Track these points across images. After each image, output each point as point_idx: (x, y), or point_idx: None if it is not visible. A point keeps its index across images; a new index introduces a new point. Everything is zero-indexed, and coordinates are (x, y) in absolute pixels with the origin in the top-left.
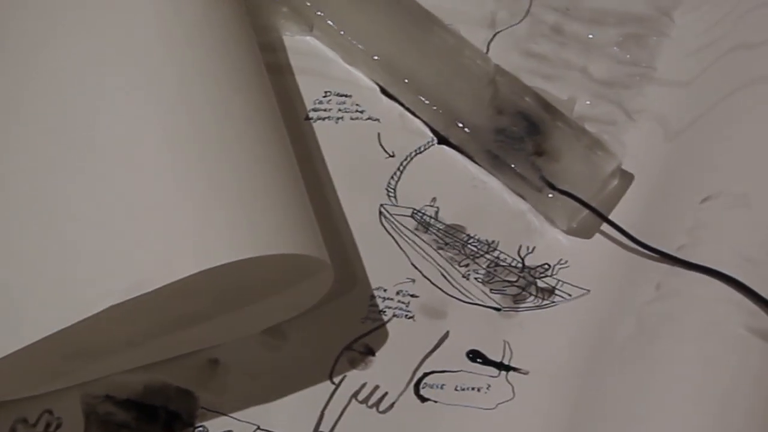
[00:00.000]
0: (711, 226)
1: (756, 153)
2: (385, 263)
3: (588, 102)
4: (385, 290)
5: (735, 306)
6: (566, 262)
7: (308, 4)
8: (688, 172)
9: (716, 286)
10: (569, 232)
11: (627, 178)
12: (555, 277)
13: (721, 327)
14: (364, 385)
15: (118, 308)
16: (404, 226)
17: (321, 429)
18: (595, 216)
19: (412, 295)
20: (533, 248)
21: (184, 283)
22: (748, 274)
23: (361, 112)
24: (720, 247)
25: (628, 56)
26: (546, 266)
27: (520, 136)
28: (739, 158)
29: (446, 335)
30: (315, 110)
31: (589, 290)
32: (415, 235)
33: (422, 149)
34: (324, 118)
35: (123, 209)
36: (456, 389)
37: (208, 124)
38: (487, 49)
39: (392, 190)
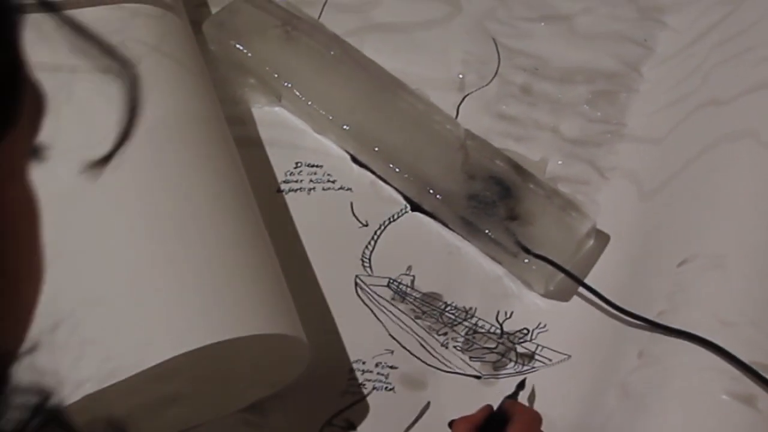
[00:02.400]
0: (689, 291)
1: (729, 212)
2: (363, 335)
3: (560, 162)
4: (363, 362)
5: (716, 372)
6: (545, 326)
7: (275, 75)
8: (665, 234)
9: (697, 352)
10: (547, 295)
11: (603, 238)
12: (534, 341)
13: (704, 394)
14: None
15: (94, 395)
16: (381, 297)
17: None
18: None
19: (391, 367)
20: (511, 313)
21: (161, 367)
22: (726, 337)
23: (333, 182)
24: (698, 311)
25: (598, 114)
26: (525, 331)
27: (492, 201)
28: (713, 219)
29: (427, 406)
30: (286, 182)
31: (569, 355)
32: (392, 305)
33: (396, 217)
34: (296, 190)
35: (94, 299)
36: None
37: (177, 207)
38: (457, 113)
39: (367, 260)
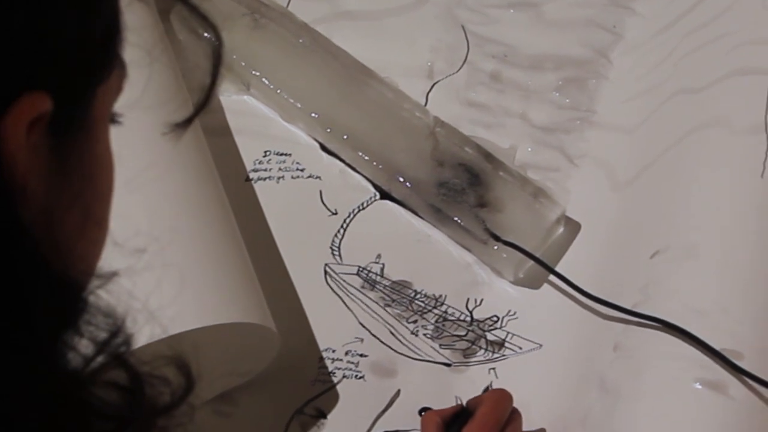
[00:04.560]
0: (661, 282)
1: (701, 202)
2: (333, 323)
3: (530, 149)
4: (333, 351)
5: (687, 361)
6: (515, 313)
7: (243, 63)
8: (638, 226)
9: (668, 342)
10: (516, 282)
11: (574, 226)
12: (504, 329)
13: (677, 383)
14: None
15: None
16: (350, 285)
17: None
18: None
19: (361, 355)
20: (481, 300)
21: None
22: (698, 326)
23: (302, 170)
24: (670, 301)
25: (567, 101)
26: (495, 318)
27: (462, 188)
28: (685, 209)
29: (398, 394)
30: (255, 170)
31: (541, 345)
32: (362, 293)
33: (365, 205)
34: (265, 179)
35: None
36: None
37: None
38: (426, 101)
39: (336, 249)
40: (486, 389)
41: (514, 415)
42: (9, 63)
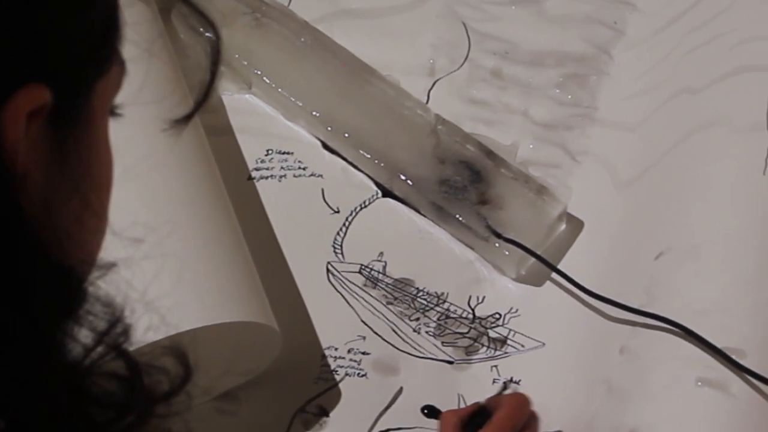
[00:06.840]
0: (664, 283)
1: (702, 202)
2: (335, 321)
3: (531, 146)
4: (336, 349)
5: (689, 361)
6: (517, 310)
7: (245, 62)
8: (642, 227)
9: (671, 341)
10: (518, 279)
11: (576, 224)
12: (506, 326)
13: (680, 384)
14: None
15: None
16: (352, 283)
17: None
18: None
19: (363, 353)
20: (483, 298)
21: None
22: (700, 325)
23: (304, 168)
24: (673, 302)
25: (569, 97)
26: (497, 315)
27: (463, 186)
28: (687, 209)
29: (400, 391)
30: (257, 169)
31: (544, 343)
32: (364, 291)
33: (367, 203)
34: (267, 177)
35: None
36: None
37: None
38: (428, 98)
39: (339, 247)
40: (504, 387)
41: (532, 419)
42: (8, 55)
